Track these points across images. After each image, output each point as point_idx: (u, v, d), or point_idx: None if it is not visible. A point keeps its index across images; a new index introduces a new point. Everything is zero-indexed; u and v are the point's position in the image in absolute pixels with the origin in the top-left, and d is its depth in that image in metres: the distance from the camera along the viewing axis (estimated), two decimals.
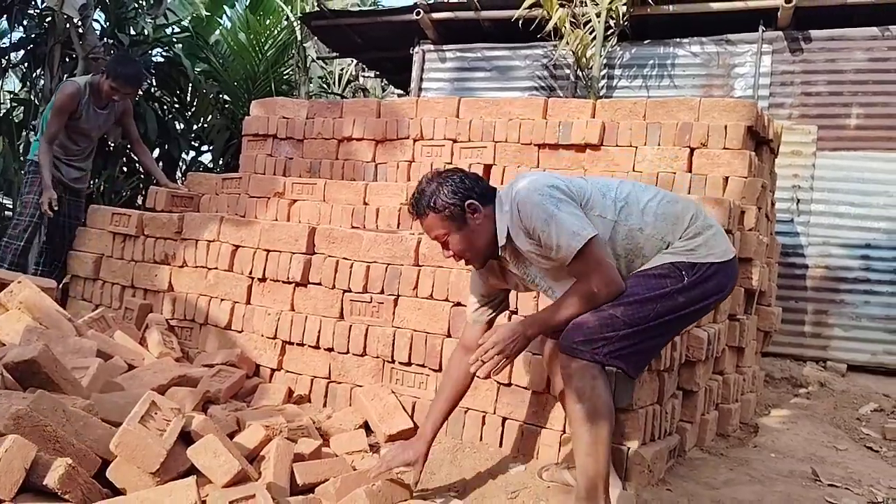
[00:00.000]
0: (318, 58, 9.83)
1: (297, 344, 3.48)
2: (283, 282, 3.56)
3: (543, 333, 2.38)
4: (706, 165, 3.91)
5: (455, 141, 4.57)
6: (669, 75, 6.02)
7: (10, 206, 6.88)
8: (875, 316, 5.28)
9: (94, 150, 5.16)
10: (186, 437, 2.33)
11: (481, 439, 2.93)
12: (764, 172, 4.21)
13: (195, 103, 8.30)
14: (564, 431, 2.73)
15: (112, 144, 6.93)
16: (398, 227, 3.92)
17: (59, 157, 4.80)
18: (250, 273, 3.67)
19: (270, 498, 2.13)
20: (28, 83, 7.69)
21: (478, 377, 2.48)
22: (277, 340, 3.53)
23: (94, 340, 3.20)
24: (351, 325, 3.33)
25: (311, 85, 9.77)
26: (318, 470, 2.51)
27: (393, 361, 3.21)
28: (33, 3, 7.12)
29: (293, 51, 8.77)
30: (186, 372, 3.20)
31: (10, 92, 8.70)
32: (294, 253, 3.54)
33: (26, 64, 7.47)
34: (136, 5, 7.59)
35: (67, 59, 7.01)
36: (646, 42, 6.11)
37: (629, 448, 2.65)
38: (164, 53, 7.96)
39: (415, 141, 4.70)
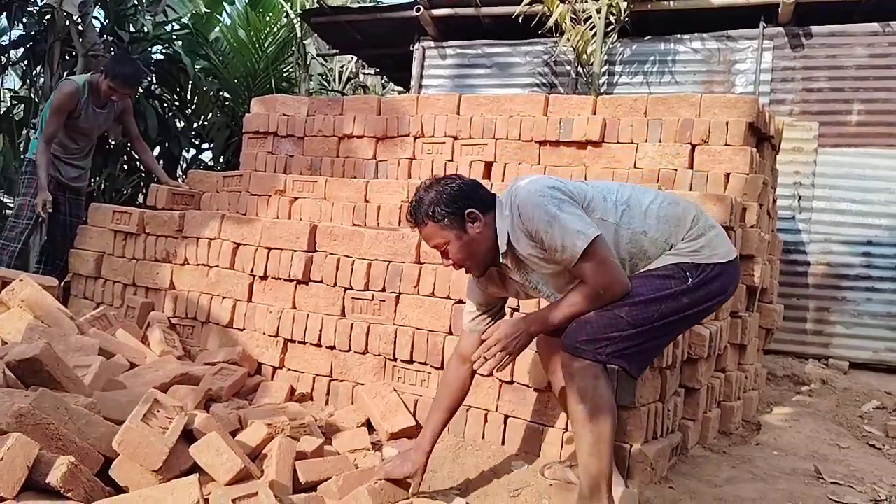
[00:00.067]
0: (318, 55, 9.82)
1: (299, 342, 3.48)
2: (285, 280, 3.56)
3: (545, 332, 2.37)
4: (707, 162, 3.90)
5: (456, 138, 4.56)
6: (670, 72, 6.00)
7: (11, 205, 6.88)
8: (877, 313, 5.27)
9: (94, 148, 5.16)
10: (189, 436, 2.33)
11: (483, 437, 2.93)
12: (765, 169, 4.20)
13: (195, 101, 8.29)
14: (567, 429, 2.73)
15: (112, 142, 6.92)
16: (399, 225, 3.91)
17: (58, 156, 4.80)
18: (251, 271, 3.67)
19: (273, 496, 2.13)
20: (28, 81, 7.69)
21: (480, 374, 2.48)
22: (279, 338, 3.53)
23: (95, 339, 3.20)
24: (352, 323, 3.32)
25: (312, 82, 9.76)
26: (321, 468, 2.51)
27: (395, 359, 3.21)
28: (33, 0, 7.10)
29: (293, 48, 8.75)
30: (188, 370, 3.20)
31: (10, 90, 8.70)
32: (295, 251, 3.54)
33: (26, 61, 7.47)
34: (136, 2, 7.58)
35: (67, 57, 7.00)
36: (646, 38, 6.10)
37: (631, 446, 2.65)
38: (164, 51, 7.95)
39: (415, 138, 4.70)
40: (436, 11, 6.52)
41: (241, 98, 8.16)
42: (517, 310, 2.93)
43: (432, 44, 6.80)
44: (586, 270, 2.17)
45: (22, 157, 6.21)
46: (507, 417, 2.90)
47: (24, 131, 7.12)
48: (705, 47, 5.91)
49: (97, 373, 2.75)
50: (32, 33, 7.15)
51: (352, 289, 3.38)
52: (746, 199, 3.69)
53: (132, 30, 7.55)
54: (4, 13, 6.99)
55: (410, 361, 3.17)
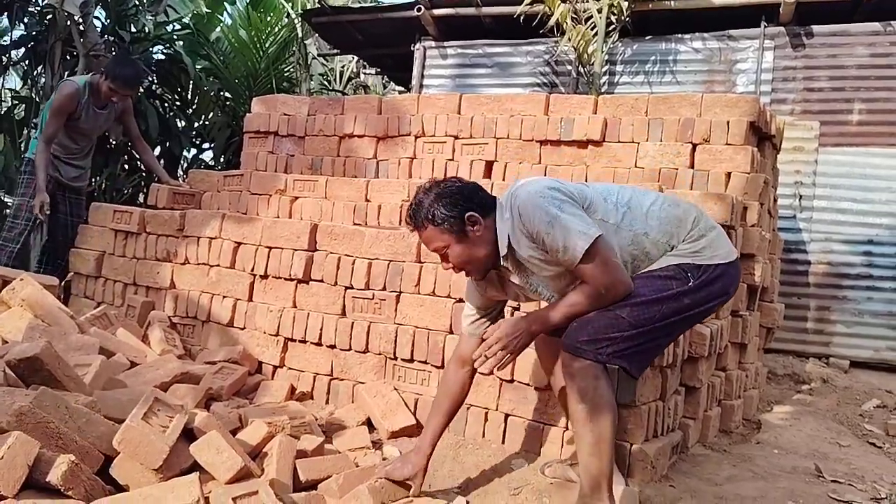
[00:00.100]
0: (318, 55, 9.83)
1: (300, 341, 3.48)
2: (285, 279, 3.56)
3: (546, 331, 2.36)
4: (708, 161, 3.90)
5: (456, 137, 4.56)
6: (671, 71, 6.00)
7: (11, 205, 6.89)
8: (878, 312, 5.27)
9: (94, 148, 5.15)
10: (189, 434, 2.33)
11: (484, 436, 2.93)
12: (766, 168, 4.20)
13: (196, 100, 8.30)
14: (567, 428, 2.72)
15: (113, 142, 6.92)
16: (400, 224, 3.91)
17: (57, 156, 4.79)
18: (252, 270, 3.67)
19: (273, 494, 2.13)
20: (29, 81, 7.69)
21: (481, 373, 2.48)
22: (279, 337, 3.53)
23: (96, 338, 3.20)
24: (353, 322, 3.32)
25: (312, 82, 9.76)
26: (321, 466, 2.51)
27: (395, 358, 3.21)
28: (34, 0, 7.11)
29: (294, 48, 8.76)
30: (189, 369, 3.20)
31: (11, 90, 8.71)
32: (296, 250, 3.54)
33: (27, 61, 7.48)
34: (137, 2, 7.59)
35: (68, 57, 7.01)
36: (647, 38, 6.10)
37: (632, 444, 2.65)
38: (164, 51, 7.95)
39: (416, 138, 4.70)
40: (437, 11, 6.53)
41: (242, 98, 8.17)
42: (517, 310, 2.93)
43: (433, 43, 6.81)
44: (588, 271, 2.15)
45: (23, 156, 6.22)
46: (507, 416, 2.90)
47: (25, 131, 7.13)
48: (706, 47, 5.91)
49: (97, 372, 2.75)
50: (33, 33, 7.16)
51: (352, 288, 3.38)
52: (747, 199, 3.68)
53: (133, 30, 7.56)
54: (6, 13, 7.00)
55: (411, 360, 3.17)
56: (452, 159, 4.53)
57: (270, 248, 3.62)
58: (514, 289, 2.40)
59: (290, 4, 8.81)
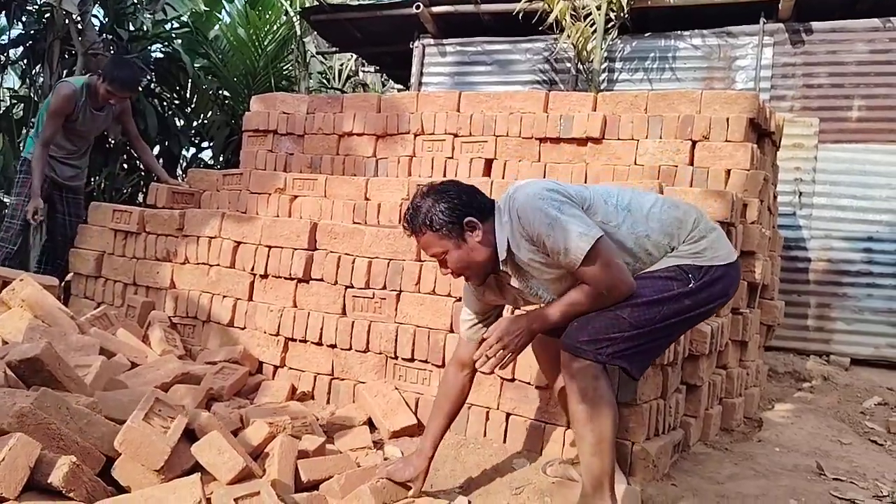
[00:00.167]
0: (317, 53, 9.81)
1: (300, 340, 3.48)
2: (285, 278, 3.56)
3: (546, 329, 2.35)
4: (708, 158, 3.89)
5: (456, 135, 4.55)
6: (671, 68, 6.00)
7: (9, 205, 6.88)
8: (878, 309, 5.27)
9: (91, 147, 5.14)
10: (190, 435, 2.33)
11: (485, 435, 2.93)
12: (766, 165, 4.20)
13: (195, 99, 8.28)
14: (569, 427, 2.72)
15: (112, 141, 6.91)
16: (400, 223, 3.90)
17: (54, 156, 4.77)
18: (252, 270, 3.67)
19: (275, 495, 2.13)
20: (27, 80, 7.67)
21: (482, 372, 2.47)
22: (280, 337, 3.53)
23: (96, 338, 3.20)
24: (353, 322, 3.32)
25: (311, 80, 9.74)
26: (323, 466, 2.51)
27: (396, 357, 3.21)
28: None
29: (293, 46, 8.74)
30: (189, 369, 3.20)
31: (9, 89, 8.69)
32: (296, 249, 3.53)
33: (25, 60, 7.46)
34: (135, 1, 7.57)
35: (67, 56, 7.00)
36: (647, 35, 6.09)
37: (633, 443, 2.65)
38: (163, 49, 7.94)
39: (415, 136, 4.69)
40: (435, 9, 6.51)
41: (241, 96, 8.15)
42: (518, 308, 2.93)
43: (432, 41, 6.80)
44: (591, 273, 2.13)
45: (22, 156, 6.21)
46: (508, 415, 2.90)
47: (24, 130, 7.11)
48: (705, 44, 5.90)
49: (98, 372, 2.74)
50: (32, 32, 7.14)
51: (352, 287, 3.38)
52: (747, 196, 3.68)
53: (131, 28, 7.54)
54: (4, 12, 6.97)
55: (411, 359, 3.16)
56: (452, 157, 4.53)
57: (270, 247, 3.62)
58: (512, 293, 2.38)
59: (289, 2, 8.79)
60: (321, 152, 4.98)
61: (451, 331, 3.06)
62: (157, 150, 7.50)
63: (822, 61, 5.56)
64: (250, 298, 3.68)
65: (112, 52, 6.82)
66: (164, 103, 7.98)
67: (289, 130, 5.12)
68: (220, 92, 8.60)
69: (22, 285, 3.35)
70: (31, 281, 3.39)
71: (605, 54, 6.05)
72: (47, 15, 6.96)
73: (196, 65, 7.93)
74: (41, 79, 7.06)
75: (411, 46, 6.87)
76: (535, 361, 2.78)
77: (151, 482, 2.14)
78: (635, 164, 4.03)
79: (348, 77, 11.31)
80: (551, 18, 5.83)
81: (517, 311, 2.62)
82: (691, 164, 3.92)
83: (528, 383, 2.84)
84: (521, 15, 5.96)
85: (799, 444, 3.36)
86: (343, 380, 3.36)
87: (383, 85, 12.11)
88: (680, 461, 2.94)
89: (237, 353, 3.51)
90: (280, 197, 4.38)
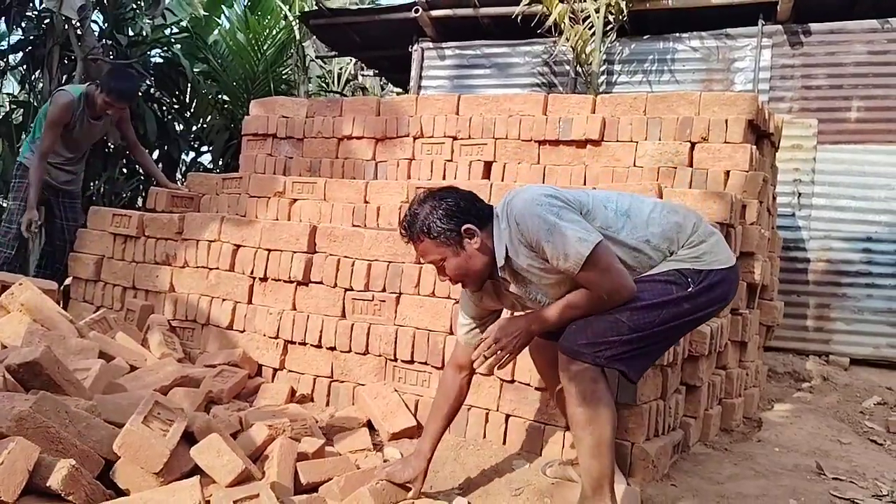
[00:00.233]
0: (316, 57, 9.82)
1: (300, 343, 3.48)
2: (285, 281, 3.56)
3: (545, 331, 2.33)
4: (707, 160, 3.90)
5: (455, 138, 4.56)
6: (669, 70, 6.00)
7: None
8: (877, 309, 5.27)
9: (87, 154, 5.14)
10: (189, 438, 2.33)
11: (485, 436, 2.93)
12: (765, 166, 4.20)
13: (194, 104, 8.30)
14: (568, 428, 2.72)
15: (111, 146, 6.92)
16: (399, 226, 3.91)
17: (51, 162, 4.75)
18: (251, 273, 3.67)
19: (275, 497, 2.13)
20: (27, 85, 7.70)
21: (480, 373, 2.47)
22: (279, 340, 3.53)
23: (95, 342, 3.20)
24: (353, 324, 3.32)
25: (310, 84, 9.77)
26: (322, 469, 2.51)
27: (395, 359, 3.21)
28: (32, 4, 7.11)
29: (292, 50, 8.77)
30: (188, 372, 3.20)
31: (9, 94, 8.70)
32: (295, 252, 3.54)
33: (25, 66, 7.48)
34: (135, 6, 7.59)
35: (66, 61, 7.02)
36: (645, 37, 6.10)
37: (633, 444, 2.64)
38: (162, 54, 7.97)
39: (415, 139, 4.70)
40: (434, 12, 6.52)
41: (240, 101, 8.17)
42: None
43: (431, 45, 6.81)
44: (590, 278, 2.12)
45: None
46: (508, 416, 2.90)
47: (24, 136, 7.12)
48: (704, 45, 5.91)
49: (97, 376, 2.75)
50: (31, 38, 7.17)
51: (352, 289, 3.38)
52: (746, 197, 3.69)
53: (131, 33, 7.57)
54: (3, 18, 6.99)
55: (411, 361, 3.16)
56: (451, 160, 4.53)
57: (270, 250, 3.62)
58: (510, 298, 2.37)
59: (288, 7, 8.82)
60: (320, 156, 4.99)
61: (451, 333, 3.06)
62: (156, 154, 7.52)
63: (821, 62, 5.56)
64: (250, 301, 3.68)
65: (112, 57, 6.84)
66: (164, 108, 8.00)
67: (288, 134, 5.13)
68: (220, 96, 8.63)
69: (21, 289, 3.35)
70: (30, 285, 3.40)
71: (604, 57, 6.06)
72: (47, 20, 6.97)
73: (195, 69, 7.95)
74: (41, 84, 7.08)
75: (410, 50, 6.88)
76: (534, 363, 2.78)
77: (150, 485, 2.14)
78: (634, 165, 4.03)
79: (347, 81, 11.32)
80: (550, 21, 5.84)
81: (516, 314, 2.62)
82: (690, 165, 3.93)
83: (528, 385, 2.84)
84: (519, 18, 5.97)
85: (799, 444, 3.36)
86: (342, 382, 3.36)
87: (382, 88, 12.12)
88: (680, 461, 2.94)
89: (236, 355, 3.51)
90: (279, 200, 4.38)
